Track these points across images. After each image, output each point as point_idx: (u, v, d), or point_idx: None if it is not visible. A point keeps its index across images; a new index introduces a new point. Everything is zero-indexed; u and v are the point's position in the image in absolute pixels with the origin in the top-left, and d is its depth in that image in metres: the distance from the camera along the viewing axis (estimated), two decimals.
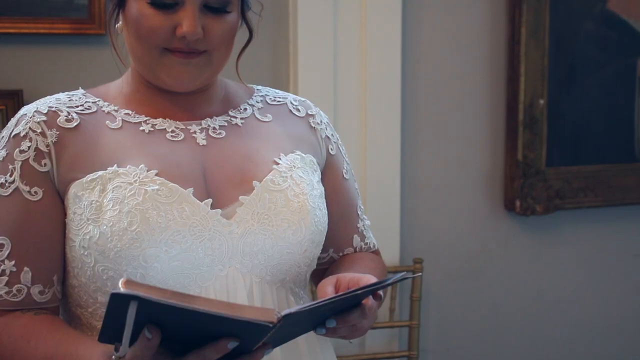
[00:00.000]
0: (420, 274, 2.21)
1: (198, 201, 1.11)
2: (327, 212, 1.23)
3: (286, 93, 1.33)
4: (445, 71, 2.33)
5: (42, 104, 1.17)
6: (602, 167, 2.49)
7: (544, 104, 2.38)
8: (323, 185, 1.26)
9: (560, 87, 2.41)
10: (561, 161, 2.44)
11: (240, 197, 1.14)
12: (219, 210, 1.12)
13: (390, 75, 2.22)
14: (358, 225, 1.34)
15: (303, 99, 1.34)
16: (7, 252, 1.11)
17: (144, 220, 1.08)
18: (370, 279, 1.09)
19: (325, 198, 1.25)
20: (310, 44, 2.14)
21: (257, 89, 1.31)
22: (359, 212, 1.34)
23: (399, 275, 1.07)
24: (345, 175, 1.32)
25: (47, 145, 1.13)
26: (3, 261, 1.11)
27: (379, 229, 2.10)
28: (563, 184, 2.45)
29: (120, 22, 1.17)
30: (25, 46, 1.99)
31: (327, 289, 1.08)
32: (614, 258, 2.56)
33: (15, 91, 1.97)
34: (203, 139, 1.18)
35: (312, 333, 1.09)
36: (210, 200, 1.12)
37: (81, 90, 1.22)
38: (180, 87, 1.16)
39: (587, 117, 2.45)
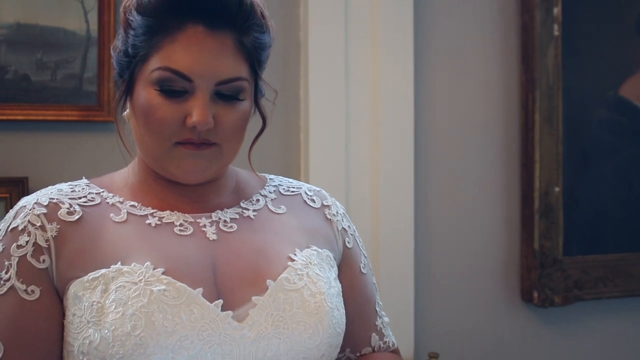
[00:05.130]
0: None
1: (208, 302, 1.04)
2: (344, 312, 1.15)
3: (300, 182, 1.27)
4: (458, 160, 2.30)
5: (43, 195, 1.11)
6: (621, 255, 2.43)
7: (559, 192, 2.33)
8: (340, 281, 1.18)
9: (575, 173, 2.37)
10: (578, 250, 2.38)
11: (253, 298, 1.06)
12: (230, 313, 1.04)
13: (403, 165, 2.18)
14: (376, 322, 1.25)
15: (318, 189, 1.27)
16: (0, 357, 1.03)
17: (149, 324, 1.00)
18: None
19: (342, 295, 1.17)
20: (322, 132, 2.10)
21: (270, 179, 1.25)
22: (377, 309, 1.26)
23: None
24: (362, 270, 1.24)
25: (47, 240, 1.06)
26: None
27: (393, 322, 2.00)
28: (581, 273, 2.37)
29: (128, 110, 1.12)
30: (33, 133, 1.94)
31: None
32: (638, 350, 2.46)
33: (20, 179, 1.91)
34: (213, 233, 1.11)
35: None
36: (220, 301, 1.05)
37: (85, 180, 1.16)
38: (190, 179, 1.10)
39: (603, 204, 2.40)
